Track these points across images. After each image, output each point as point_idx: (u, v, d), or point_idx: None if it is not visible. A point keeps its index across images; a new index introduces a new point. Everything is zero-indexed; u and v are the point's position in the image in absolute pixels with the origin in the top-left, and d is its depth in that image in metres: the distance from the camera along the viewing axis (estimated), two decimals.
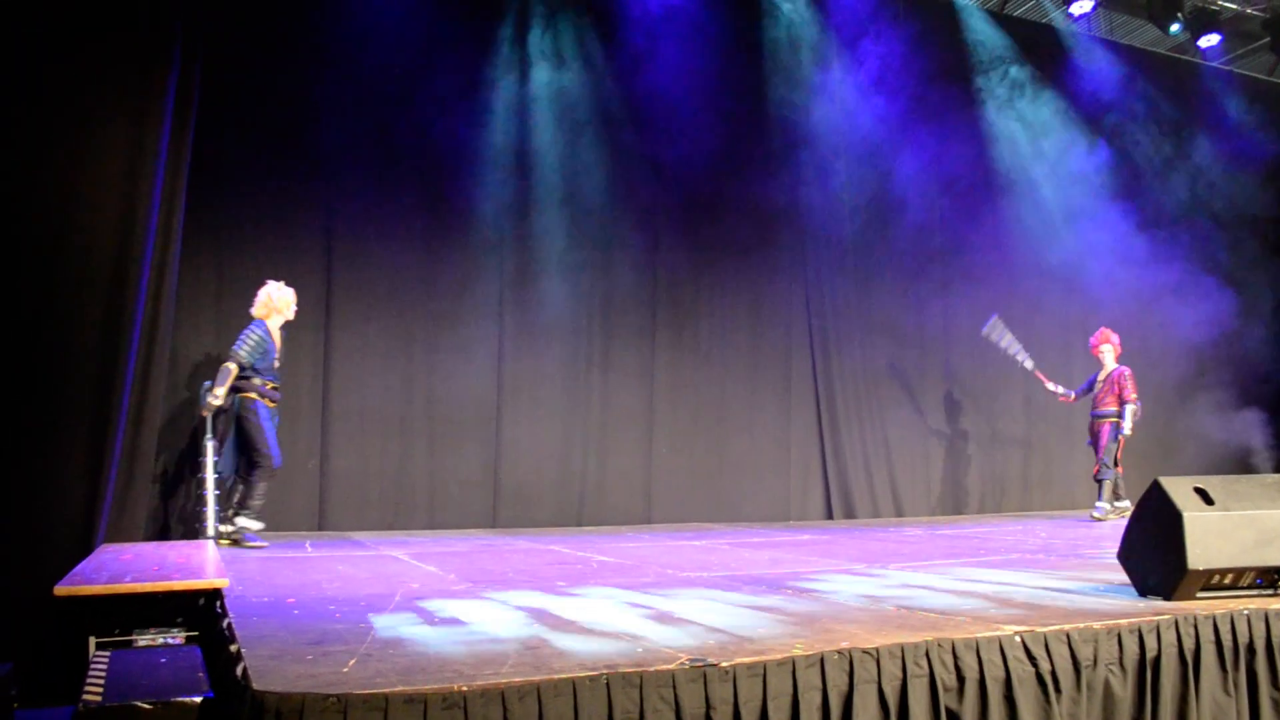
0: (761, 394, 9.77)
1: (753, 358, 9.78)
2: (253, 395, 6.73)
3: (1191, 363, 11.53)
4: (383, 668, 2.49)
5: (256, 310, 6.93)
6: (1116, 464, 8.83)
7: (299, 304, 7.77)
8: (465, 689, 2.27)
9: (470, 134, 8.58)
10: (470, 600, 3.81)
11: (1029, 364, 9.34)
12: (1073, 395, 9.30)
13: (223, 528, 6.63)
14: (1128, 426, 8.79)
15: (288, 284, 7.81)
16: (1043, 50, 11.40)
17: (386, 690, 2.23)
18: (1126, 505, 8.97)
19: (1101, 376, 9.09)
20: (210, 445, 6.71)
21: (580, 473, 8.92)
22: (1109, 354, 9.13)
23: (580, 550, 6.18)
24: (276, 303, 6.95)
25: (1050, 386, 9.27)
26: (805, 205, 9.96)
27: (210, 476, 6.63)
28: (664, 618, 3.32)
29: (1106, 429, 8.90)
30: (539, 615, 3.39)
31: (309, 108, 8.07)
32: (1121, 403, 8.86)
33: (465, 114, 8.54)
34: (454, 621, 3.27)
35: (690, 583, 4.39)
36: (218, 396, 6.57)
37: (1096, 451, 8.96)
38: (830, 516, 9.75)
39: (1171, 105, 11.95)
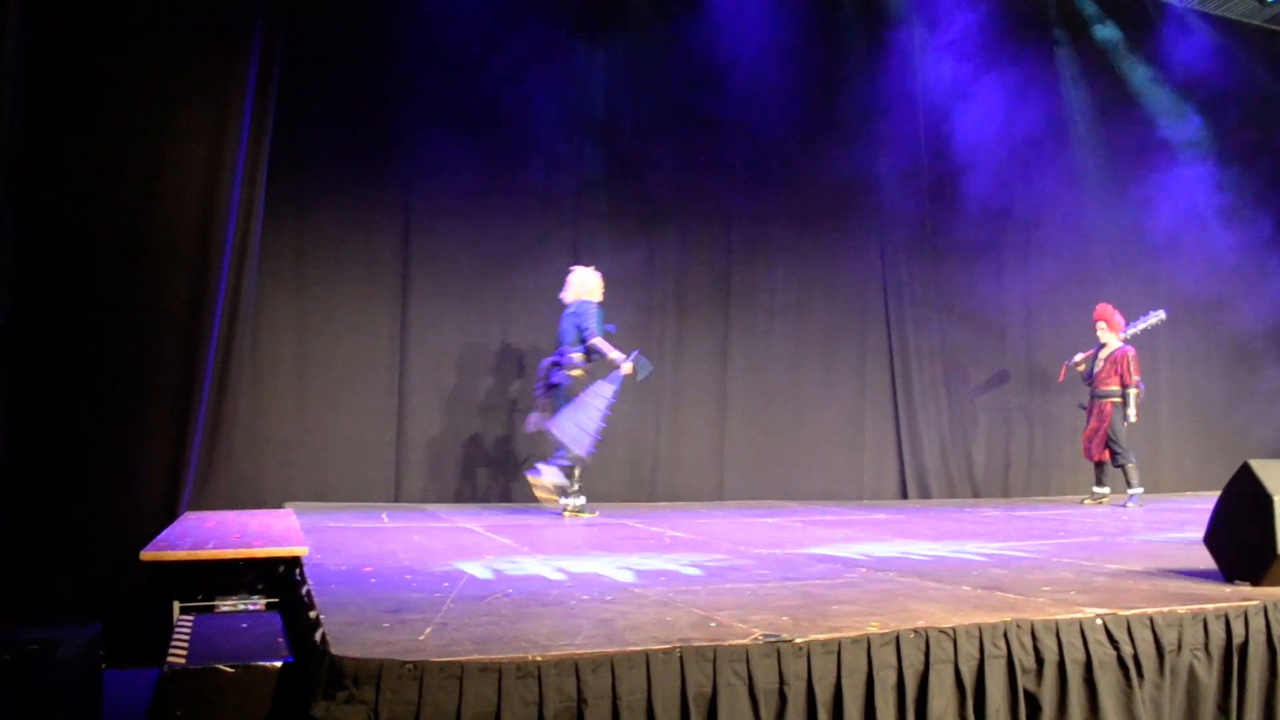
0: (836, 370, 9.69)
1: (827, 334, 9.70)
2: (583, 373, 7.10)
3: (1275, 341, 11.20)
4: (458, 636, 2.51)
5: (572, 295, 7.27)
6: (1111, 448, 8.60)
7: (379, 277, 7.95)
8: (540, 659, 2.28)
9: (544, 102, 8.58)
10: (543, 572, 3.84)
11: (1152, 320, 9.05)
12: (1079, 366, 8.97)
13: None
14: (1133, 413, 8.53)
15: (365, 258, 7.99)
16: (1129, 18, 11.10)
17: (462, 658, 2.25)
18: (1107, 492, 8.76)
19: (1104, 355, 8.75)
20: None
21: (652, 448, 8.94)
22: (1105, 331, 8.79)
23: (653, 525, 6.19)
24: (590, 286, 7.30)
25: (1079, 358, 8.97)
26: (881, 176, 9.86)
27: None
28: (738, 593, 3.31)
29: (1110, 409, 8.62)
30: (612, 588, 3.40)
31: (387, 82, 8.14)
32: (1124, 385, 8.58)
33: (539, 81, 8.53)
34: (528, 592, 3.29)
35: (764, 559, 4.37)
36: (620, 360, 7.05)
37: (1097, 432, 8.69)
38: (905, 496, 9.65)
39: (1266, 78, 11.57)
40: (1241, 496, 3.58)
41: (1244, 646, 3.09)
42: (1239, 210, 10.94)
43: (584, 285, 7.30)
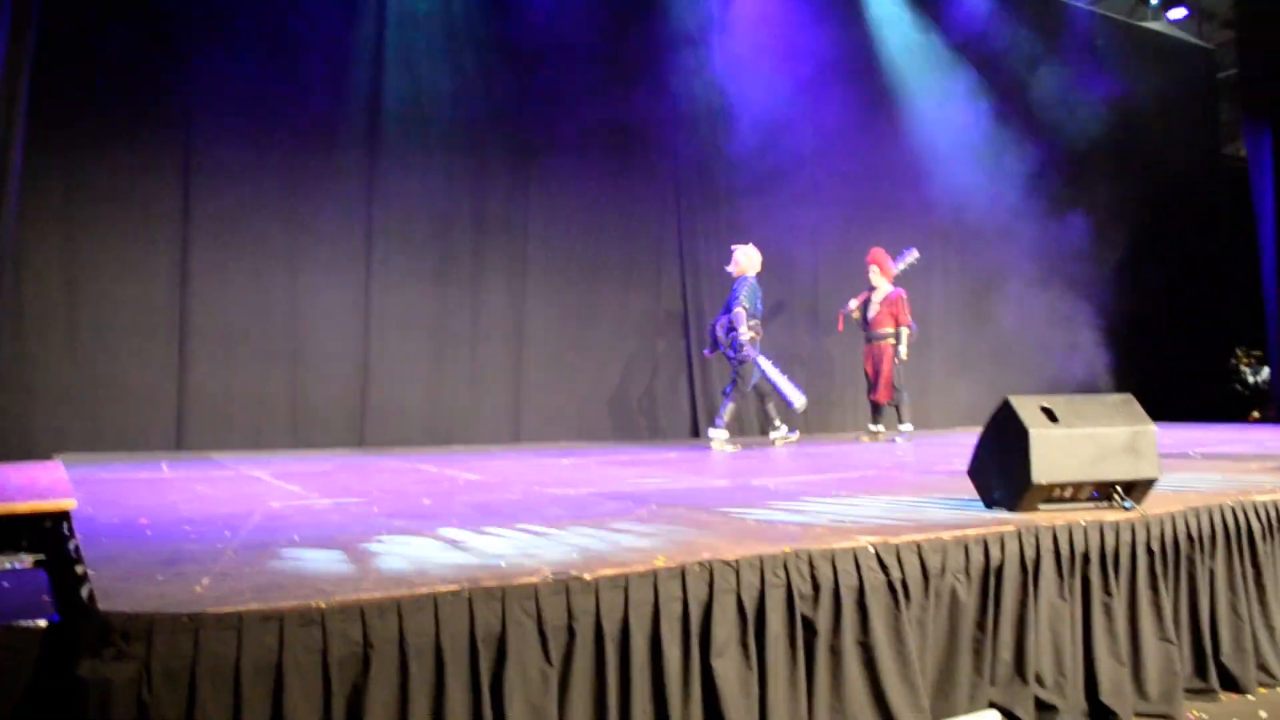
0: (632, 315, 9.82)
1: (624, 277, 9.80)
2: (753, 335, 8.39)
3: (1044, 286, 11.98)
4: (238, 586, 2.44)
5: (739, 269, 8.51)
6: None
7: (157, 215, 7.55)
8: (323, 605, 2.24)
9: (333, 27, 8.28)
10: (331, 517, 3.76)
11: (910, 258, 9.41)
12: (854, 313, 9.28)
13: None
14: (904, 351, 8.94)
15: (141, 196, 7.57)
16: None
17: (241, 608, 2.18)
18: (882, 429, 9.22)
19: (877, 298, 9.12)
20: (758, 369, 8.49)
21: (450, 392, 8.86)
22: (878, 275, 9.15)
23: (447, 468, 6.15)
24: (744, 264, 8.51)
25: (853, 305, 9.29)
26: (675, 112, 9.96)
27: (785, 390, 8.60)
28: (529, 532, 3.33)
29: (888, 350, 8.98)
30: (402, 531, 3.36)
31: (163, 11, 7.66)
32: (898, 325, 8.96)
33: (329, 14, 8.22)
34: (314, 539, 3.22)
35: (556, 499, 4.41)
36: (744, 335, 8.29)
37: (876, 375, 9.03)
38: (697, 435, 9.90)
39: (1034, 39, 12.30)
40: (1001, 430, 3.84)
41: (1000, 569, 3.33)
42: (1006, 155, 11.61)
43: (740, 262, 8.52)
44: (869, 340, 9.15)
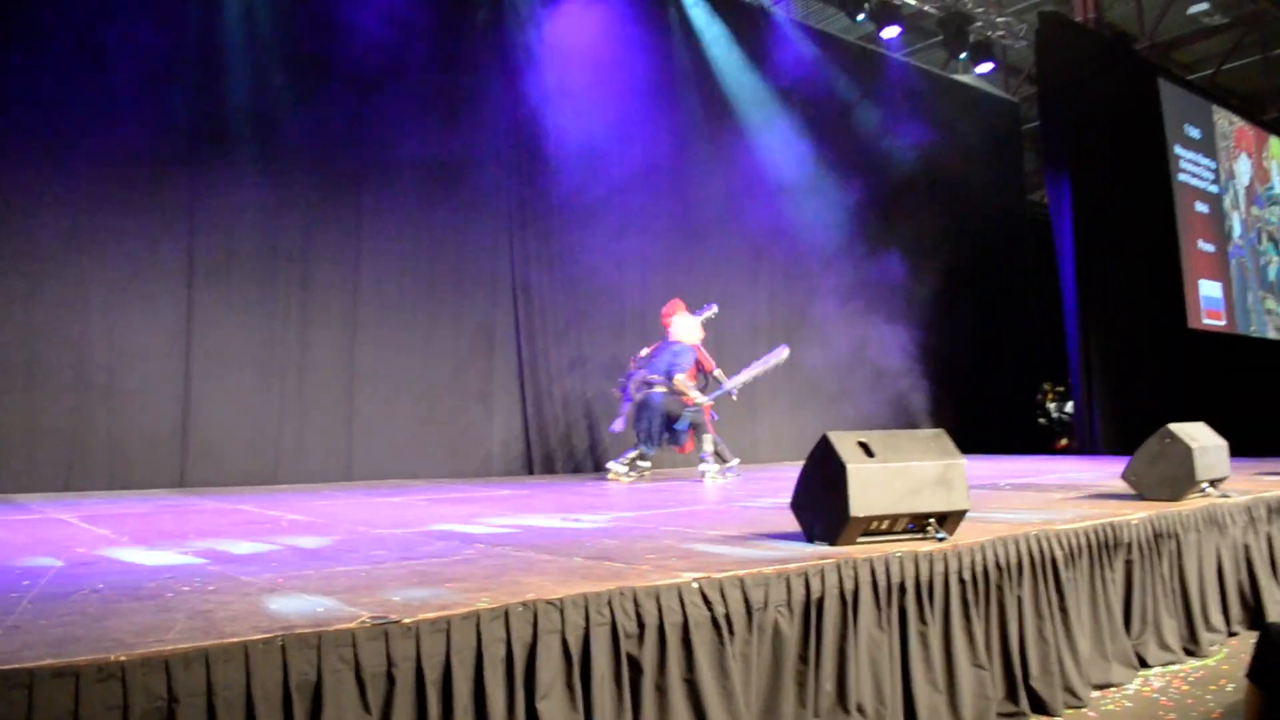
0: (465, 347, 9.71)
1: (457, 310, 9.68)
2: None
3: (860, 321, 12.40)
4: (31, 639, 2.30)
5: (676, 336, 8.81)
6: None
7: None
8: (124, 658, 2.13)
9: (153, 49, 7.93)
10: (140, 564, 3.58)
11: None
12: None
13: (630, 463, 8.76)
14: (735, 382, 8.84)
15: None
16: (739, 20, 11.95)
17: (32, 664, 2.05)
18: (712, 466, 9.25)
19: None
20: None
21: (277, 429, 8.57)
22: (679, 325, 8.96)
23: (271, 509, 5.94)
24: (691, 331, 8.88)
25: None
26: (504, 149, 9.94)
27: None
28: (348, 575, 3.25)
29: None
30: (215, 577, 3.23)
31: None
32: (706, 374, 8.88)
33: (144, 25, 7.88)
34: (119, 587, 3.06)
35: (381, 540, 4.32)
36: (698, 399, 8.64)
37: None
38: (531, 471, 9.84)
39: (852, 85, 12.85)
40: (821, 465, 3.96)
41: (820, 601, 3.42)
42: (824, 191, 12.05)
43: (678, 330, 8.82)
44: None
